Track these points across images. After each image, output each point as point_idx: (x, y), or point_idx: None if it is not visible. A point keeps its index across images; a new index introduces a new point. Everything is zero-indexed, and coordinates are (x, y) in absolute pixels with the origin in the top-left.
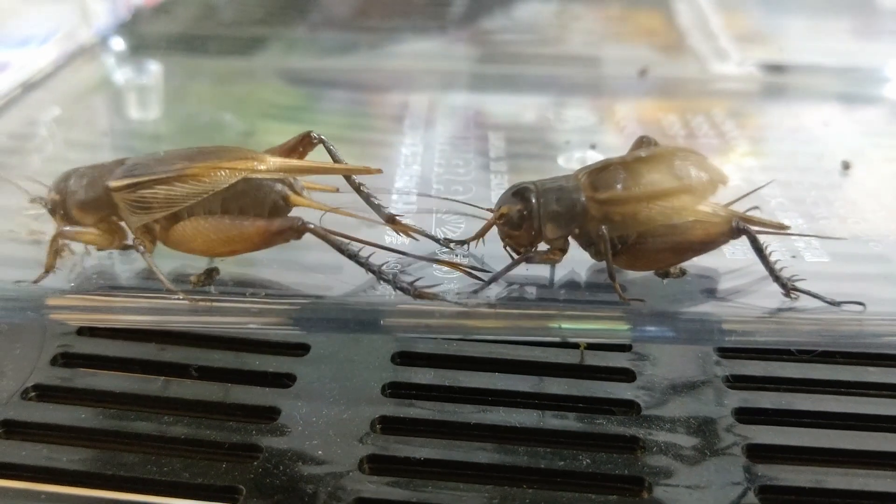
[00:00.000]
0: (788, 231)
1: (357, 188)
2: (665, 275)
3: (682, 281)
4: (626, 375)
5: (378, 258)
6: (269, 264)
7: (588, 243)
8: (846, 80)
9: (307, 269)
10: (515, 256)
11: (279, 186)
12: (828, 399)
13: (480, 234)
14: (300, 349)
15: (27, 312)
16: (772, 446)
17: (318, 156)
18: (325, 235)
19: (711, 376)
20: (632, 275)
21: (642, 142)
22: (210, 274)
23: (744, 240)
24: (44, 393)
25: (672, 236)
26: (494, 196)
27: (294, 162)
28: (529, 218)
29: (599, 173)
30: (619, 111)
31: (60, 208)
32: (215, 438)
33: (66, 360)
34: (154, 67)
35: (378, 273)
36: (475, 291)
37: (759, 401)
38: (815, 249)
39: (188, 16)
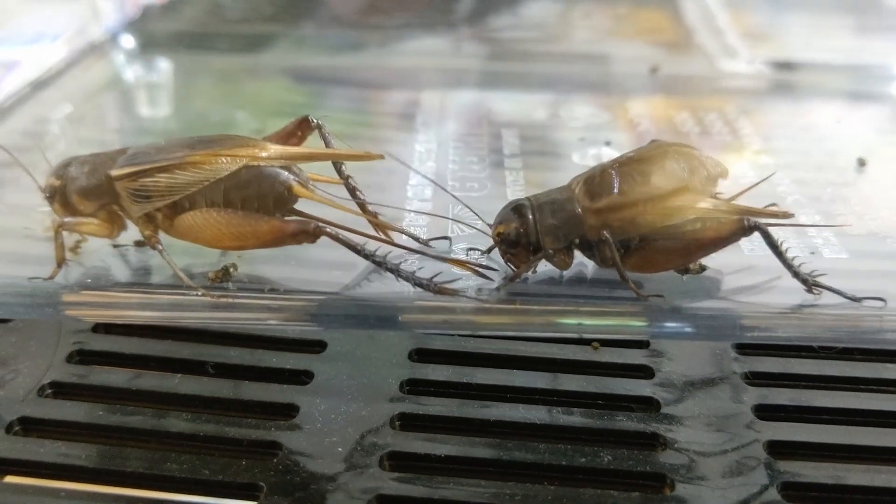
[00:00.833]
0: (793, 220)
1: (345, 179)
2: (685, 271)
3: (702, 277)
4: (644, 372)
5: (393, 255)
6: (287, 261)
7: (590, 252)
8: (855, 78)
9: (323, 266)
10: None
11: (283, 176)
12: (847, 395)
13: (490, 250)
14: (317, 346)
15: (43, 309)
16: (792, 443)
17: (316, 141)
18: (340, 238)
19: (730, 373)
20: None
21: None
22: (227, 270)
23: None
24: (60, 390)
25: (678, 237)
26: (510, 192)
27: (295, 149)
28: (526, 234)
29: (593, 181)
30: (631, 108)
31: (60, 195)
32: (234, 435)
33: (82, 357)
34: (164, 65)
35: (396, 271)
36: (496, 289)
37: (778, 397)
38: (834, 246)
39: (196, 13)
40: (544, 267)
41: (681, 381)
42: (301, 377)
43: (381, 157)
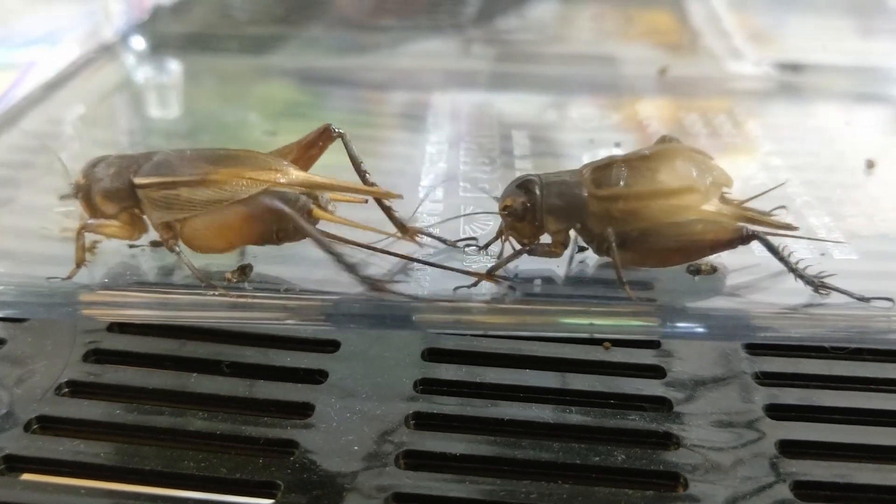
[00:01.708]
0: (797, 233)
1: (379, 202)
2: (696, 271)
3: (713, 277)
4: (656, 372)
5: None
6: (301, 261)
7: (590, 239)
8: (861, 80)
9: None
10: (515, 247)
11: (302, 201)
12: (856, 395)
13: (499, 235)
14: (330, 345)
15: (60, 309)
16: (803, 442)
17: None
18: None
19: (740, 373)
20: (662, 271)
21: (664, 140)
22: (244, 270)
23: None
24: (77, 389)
25: (676, 236)
26: None
27: (317, 179)
28: (532, 210)
29: (602, 170)
30: (640, 110)
31: (84, 195)
32: (251, 434)
33: (98, 356)
34: (174, 66)
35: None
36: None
37: (788, 397)
38: (844, 247)
39: (205, 15)
40: (555, 267)
41: (692, 380)
42: (315, 376)
43: (400, 196)
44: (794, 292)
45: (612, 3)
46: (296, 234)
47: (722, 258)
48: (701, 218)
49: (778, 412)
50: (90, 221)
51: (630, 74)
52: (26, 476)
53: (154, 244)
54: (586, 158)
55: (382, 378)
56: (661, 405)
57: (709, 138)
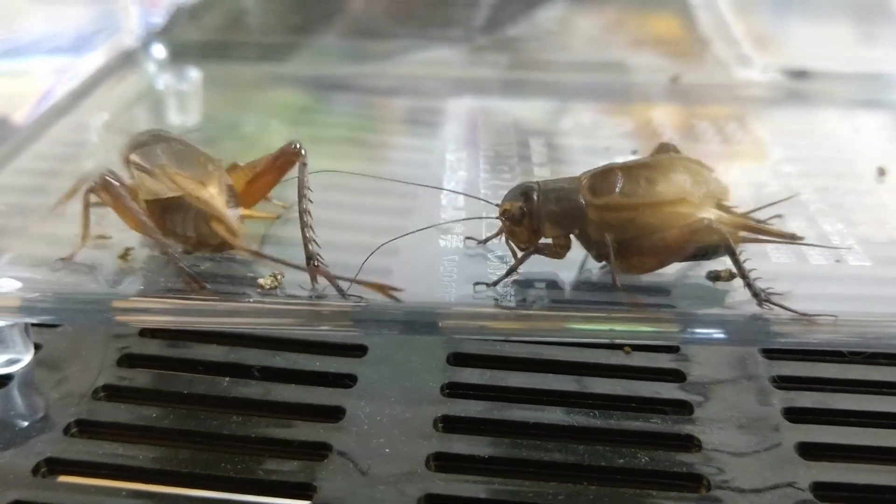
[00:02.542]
0: (801, 241)
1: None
2: (716, 278)
3: (732, 284)
4: (675, 376)
5: None
6: (330, 268)
7: (588, 245)
8: (869, 86)
9: (364, 272)
10: (517, 252)
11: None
12: (871, 399)
13: (497, 234)
14: (358, 350)
15: (94, 315)
16: (822, 444)
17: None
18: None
19: (758, 377)
20: (681, 277)
21: (662, 148)
22: (276, 277)
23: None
24: (113, 393)
25: (666, 243)
26: None
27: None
28: (529, 216)
29: (599, 177)
30: (654, 118)
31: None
32: (285, 437)
33: (132, 361)
34: (194, 74)
35: None
36: (493, 284)
37: (805, 400)
38: (858, 254)
39: (222, 23)
40: (577, 274)
41: (711, 384)
42: (345, 380)
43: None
44: (812, 298)
45: (622, 11)
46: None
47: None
48: (690, 226)
49: (796, 415)
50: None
51: (642, 82)
52: (66, 478)
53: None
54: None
55: (410, 382)
56: (681, 408)
57: (720, 145)
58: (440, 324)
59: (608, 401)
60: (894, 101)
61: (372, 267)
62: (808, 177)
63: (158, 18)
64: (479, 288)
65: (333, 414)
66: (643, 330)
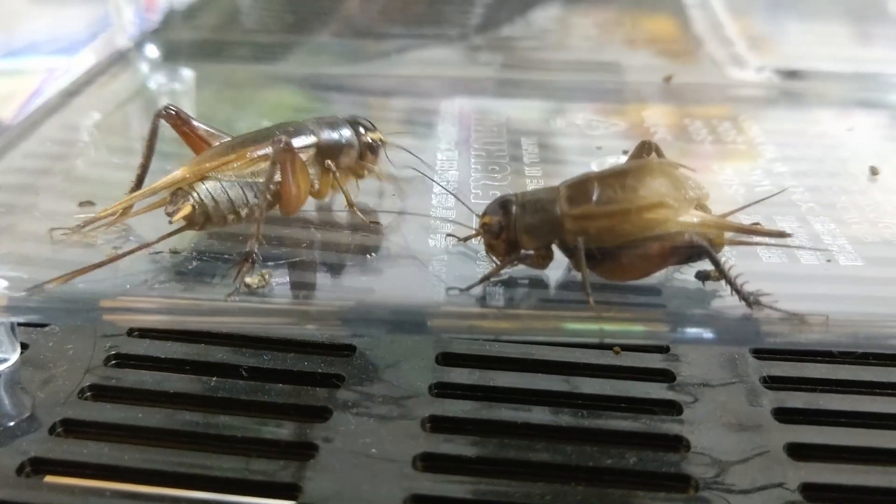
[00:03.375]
0: (788, 237)
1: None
2: (705, 277)
3: (722, 283)
4: (665, 376)
5: None
6: (319, 267)
7: (568, 255)
8: (863, 86)
9: (351, 271)
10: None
11: None
12: (861, 399)
13: (472, 237)
14: (346, 350)
15: (81, 314)
16: (811, 445)
17: None
18: None
19: (747, 377)
20: (669, 280)
21: (643, 146)
22: (263, 276)
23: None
24: (99, 393)
25: (646, 250)
26: None
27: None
28: (507, 229)
29: (576, 187)
30: (646, 117)
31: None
32: (271, 437)
33: (119, 360)
34: (187, 73)
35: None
36: (465, 289)
37: (797, 401)
38: (849, 253)
39: (215, 23)
40: (568, 273)
41: (700, 384)
42: (332, 380)
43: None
44: (803, 298)
45: (616, 11)
46: None
47: (730, 264)
48: (670, 239)
49: (785, 415)
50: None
51: (634, 81)
52: (51, 478)
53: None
54: (594, 165)
55: (398, 382)
56: (670, 409)
57: (713, 145)
58: (429, 323)
59: (597, 401)
60: (888, 101)
61: (360, 266)
62: (801, 176)
63: (153, 18)
64: (451, 292)
65: (320, 414)
66: (633, 329)
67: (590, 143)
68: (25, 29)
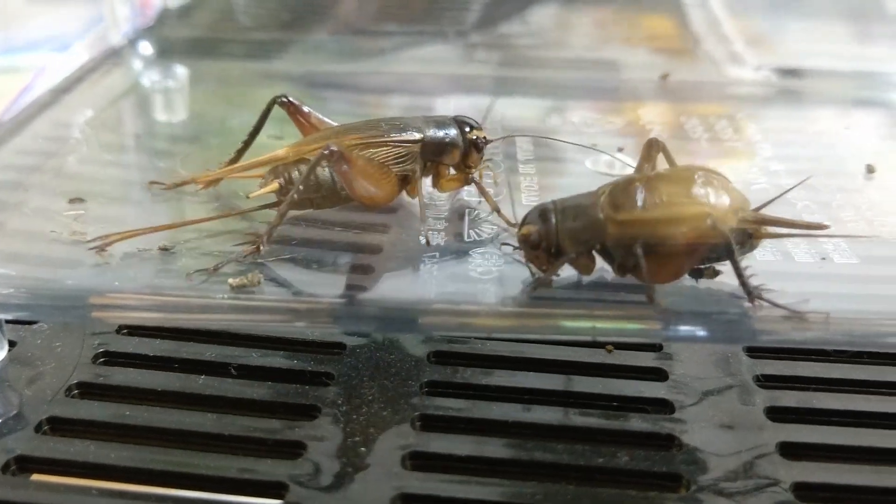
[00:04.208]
0: (827, 232)
1: None
2: (698, 275)
3: (715, 281)
4: (658, 374)
5: None
6: (308, 264)
7: (611, 260)
8: (861, 85)
9: (343, 269)
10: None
11: None
12: (854, 398)
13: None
14: (337, 348)
15: (70, 311)
16: (803, 444)
17: None
18: None
19: (740, 375)
20: None
21: (652, 145)
22: (248, 277)
23: (775, 243)
24: (87, 390)
25: (672, 249)
26: (525, 198)
27: None
28: (547, 237)
29: (619, 191)
30: (642, 115)
31: None
32: (259, 435)
33: (107, 358)
34: (180, 71)
35: None
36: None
37: (788, 399)
38: (844, 251)
39: (210, 20)
40: (560, 271)
41: (693, 383)
42: (322, 378)
43: None
44: (796, 296)
45: (614, 9)
46: None
47: (724, 262)
48: (695, 228)
49: (778, 414)
50: None
51: (631, 79)
52: (37, 477)
53: (162, 249)
54: (588, 163)
55: (388, 380)
56: (663, 407)
57: (709, 143)
58: (419, 321)
59: (589, 399)
60: (886, 100)
61: (354, 263)
62: (797, 174)
63: (148, 14)
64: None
65: (309, 412)
66: (626, 327)
67: (585, 140)
68: (20, 27)
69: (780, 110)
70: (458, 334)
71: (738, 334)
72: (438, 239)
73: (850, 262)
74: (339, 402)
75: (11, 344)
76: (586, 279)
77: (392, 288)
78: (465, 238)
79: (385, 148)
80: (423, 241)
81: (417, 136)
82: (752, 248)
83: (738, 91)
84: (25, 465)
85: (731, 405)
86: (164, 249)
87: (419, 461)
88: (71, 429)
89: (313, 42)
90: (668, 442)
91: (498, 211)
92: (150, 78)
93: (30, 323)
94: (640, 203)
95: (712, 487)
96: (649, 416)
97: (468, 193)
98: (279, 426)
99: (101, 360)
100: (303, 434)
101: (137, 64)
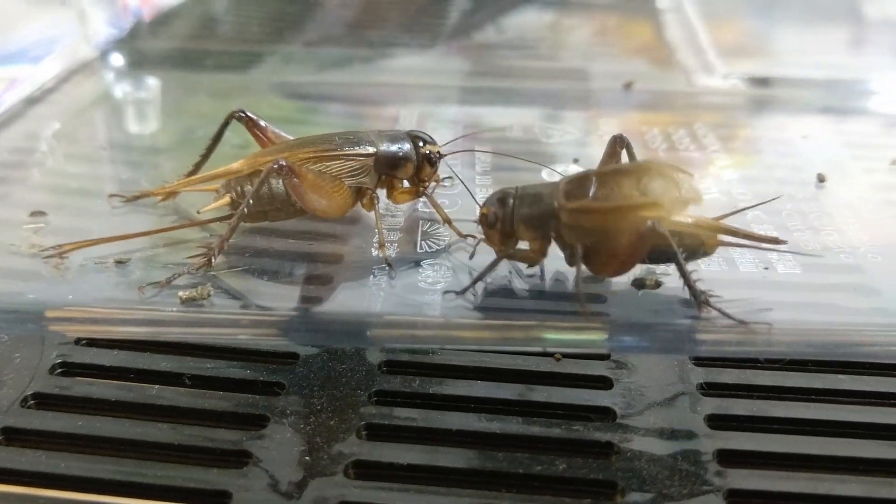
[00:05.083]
0: (783, 243)
1: None
2: (640, 286)
3: (658, 292)
4: (605, 383)
5: None
6: (260, 275)
7: (563, 248)
8: (832, 93)
9: (296, 281)
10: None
11: None
12: (799, 406)
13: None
14: (289, 358)
15: (27, 324)
16: (742, 452)
17: None
18: None
19: (686, 384)
20: (609, 287)
21: (616, 141)
22: (198, 289)
23: (720, 251)
24: (42, 401)
25: (616, 245)
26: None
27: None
28: (503, 220)
29: (575, 183)
30: (603, 125)
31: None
32: (207, 445)
33: (64, 369)
34: (152, 82)
35: None
36: (460, 292)
37: (733, 408)
38: (788, 261)
39: (185, 31)
40: (507, 283)
41: (639, 392)
42: (273, 388)
43: None
44: (739, 306)
45: (589, 18)
46: None
47: (667, 273)
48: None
49: (719, 422)
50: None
51: (598, 89)
52: None
53: (118, 262)
54: (545, 174)
55: (338, 390)
56: (605, 415)
57: (666, 153)
58: (368, 333)
59: (536, 408)
60: (854, 107)
61: (308, 274)
62: (749, 183)
63: (121, 26)
64: (448, 296)
65: (258, 422)
66: (572, 338)
67: (544, 151)
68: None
69: (742, 119)
70: (408, 346)
71: (677, 344)
72: (391, 251)
73: (793, 271)
74: (288, 411)
75: None
76: (527, 289)
77: (342, 300)
78: (418, 249)
79: (339, 161)
80: (376, 252)
81: (371, 149)
82: (706, 254)
83: (704, 100)
84: None
85: (673, 413)
86: (120, 262)
87: (361, 469)
88: (24, 439)
89: (288, 53)
90: (606, 449)
91: (450, 223)
92: (122, 89)
93: None
94: (590, 194)
95: (646, 494)
96: (591, 423)
97: (424, 204)
98: (228, 436)
99: (59, 370)
100: (249, 443)
101: (109, 75)
